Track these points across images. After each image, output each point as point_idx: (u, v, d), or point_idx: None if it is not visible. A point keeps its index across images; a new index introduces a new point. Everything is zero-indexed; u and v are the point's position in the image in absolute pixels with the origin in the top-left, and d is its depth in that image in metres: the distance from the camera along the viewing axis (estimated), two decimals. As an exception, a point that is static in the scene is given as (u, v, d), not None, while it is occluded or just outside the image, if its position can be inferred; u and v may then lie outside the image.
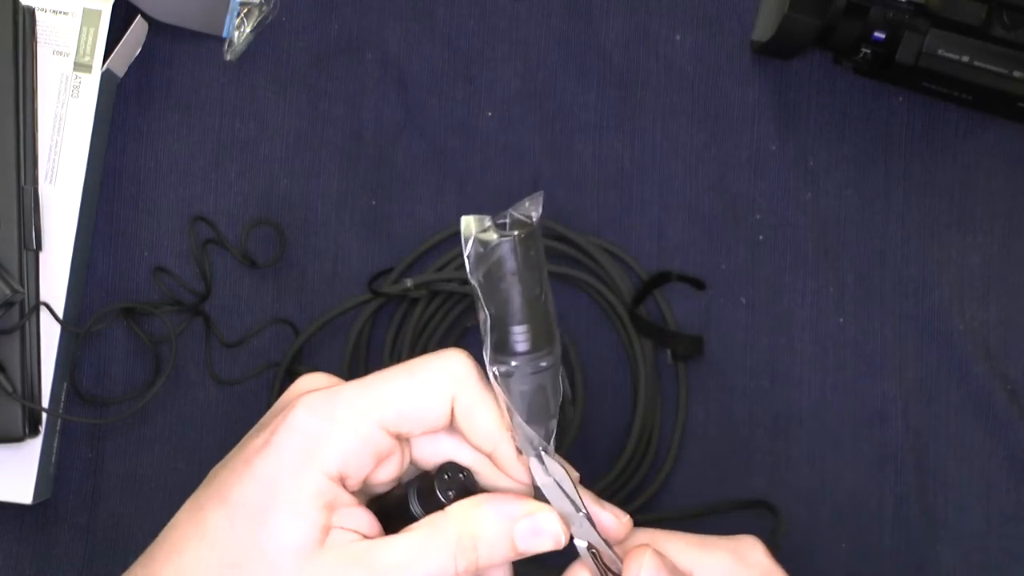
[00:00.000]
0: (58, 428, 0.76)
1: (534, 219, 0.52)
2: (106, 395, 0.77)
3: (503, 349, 0.53)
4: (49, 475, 0.76)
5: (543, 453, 0.54)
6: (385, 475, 0.56)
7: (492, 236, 0.52)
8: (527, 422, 0.53)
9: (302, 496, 0.54)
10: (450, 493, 0.55)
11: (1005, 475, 0.78)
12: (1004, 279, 0.78)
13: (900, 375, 0.78)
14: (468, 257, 0.52)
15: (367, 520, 0.55)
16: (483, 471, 0.56)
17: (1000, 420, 0.78)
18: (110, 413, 0.77)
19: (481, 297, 0.52)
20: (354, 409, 0.54)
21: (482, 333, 0.53)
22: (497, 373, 0.53)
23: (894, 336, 0.78)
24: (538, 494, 0.55)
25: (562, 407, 0.56)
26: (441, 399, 0.54)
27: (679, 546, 0.57)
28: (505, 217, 0.53)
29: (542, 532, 0.54)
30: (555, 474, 0.54)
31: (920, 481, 0.77)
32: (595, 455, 0.77)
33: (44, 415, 0.73)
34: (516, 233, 0.52)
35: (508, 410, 0.54)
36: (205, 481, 0.58)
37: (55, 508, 0.77)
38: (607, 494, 0.76)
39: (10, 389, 0.72)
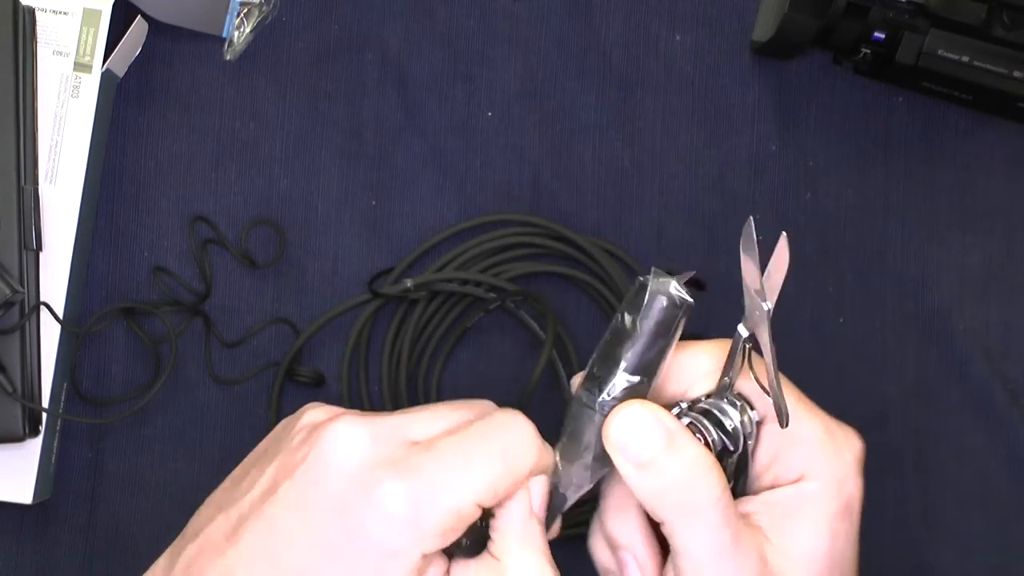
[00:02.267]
0: (58, 428, 0.76)
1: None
2: (106, 395, 0.77)
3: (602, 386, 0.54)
4: (49, 475, 0.76)
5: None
6: None
7: (683, 296, 0.54)
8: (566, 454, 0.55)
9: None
10: (464, 540, 0.55)
11: (1005, 475, 0.78)
12: (1004, 279, 0.78)
13: (900, 375, 0.78)
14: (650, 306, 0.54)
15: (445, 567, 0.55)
16: None
17: (1000, 420, 0.78)
18: (110, 413, 0.77)
19: (630, 340, 0.54)
20: (453, 488, 0.53)
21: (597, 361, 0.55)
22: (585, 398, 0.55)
23: (894, 336, 0.78)
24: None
25: (562, 407, 0.57)
26: (526, 472, 0.55)
27: (794, 393, 0.56)
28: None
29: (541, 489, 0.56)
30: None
31: (920, 481, 0.77)
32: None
33: (44, 415, 0.73)
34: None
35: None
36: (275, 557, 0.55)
37: (55, 508, 0.77)
38: (607, 494, 0.76)
39: (10, 389, 0.72)
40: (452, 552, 0.55)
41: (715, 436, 0.55)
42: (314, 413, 0.57)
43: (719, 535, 0.53)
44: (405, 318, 0.77)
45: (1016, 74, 0.73)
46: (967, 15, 0.72)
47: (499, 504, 0.55)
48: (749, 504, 0.56)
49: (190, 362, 0.77)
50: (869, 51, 0.74)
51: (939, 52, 0.73)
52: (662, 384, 0.56)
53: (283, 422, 0.58)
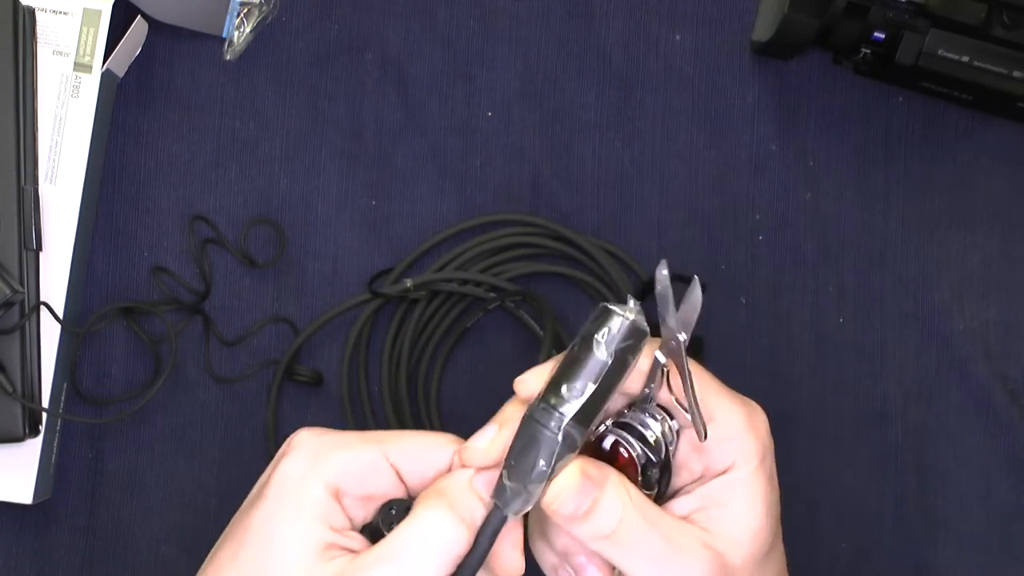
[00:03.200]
0: (58, 428, 0.76)
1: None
2: (106, 395, 0.77)
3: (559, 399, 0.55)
4: (49, 475, 0.76)
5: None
6: (366, 511, 0.58)
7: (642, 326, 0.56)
8: (514, 465, 0.55)
9: (305, 507, 0.55)
10: (393, 525, 0.56)
11: (1005, 475, 0.78)
12: (1004, 279, 0.78)
13: (900, 375, 0.78)
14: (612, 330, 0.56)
15: (360, 542, 0.56)
16: None
17: (1000, 420, 0.78)
18: (110, 413, 0.77)
19: (589, 363, 0.55)
20: (364, 441, 0.57)
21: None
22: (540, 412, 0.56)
23: (894, 336, 0.78)
24: None
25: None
26: (447, 454, 0.57)
27: (711, 387, 0.59)
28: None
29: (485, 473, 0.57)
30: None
31: (920, 481, 0.77)
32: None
33: (44, 415, 0.73)
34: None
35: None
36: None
37: (55, 508, 0.77)
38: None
39: (10, 389, 0.72)
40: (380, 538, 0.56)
41: (638, 450, 0.58)
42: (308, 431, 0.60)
43: (648, 547, 0.57)
44: (405, 318, 0.77)
45: (1016, 74, 0.73)
46: (967, 15, 0.72)
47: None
48: (684, 504, 0.59)
49: (190, 362, 0.77)
50: (869, 51, 0.74)
51: (939, 52, 0.73)
52: None
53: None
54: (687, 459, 0.59)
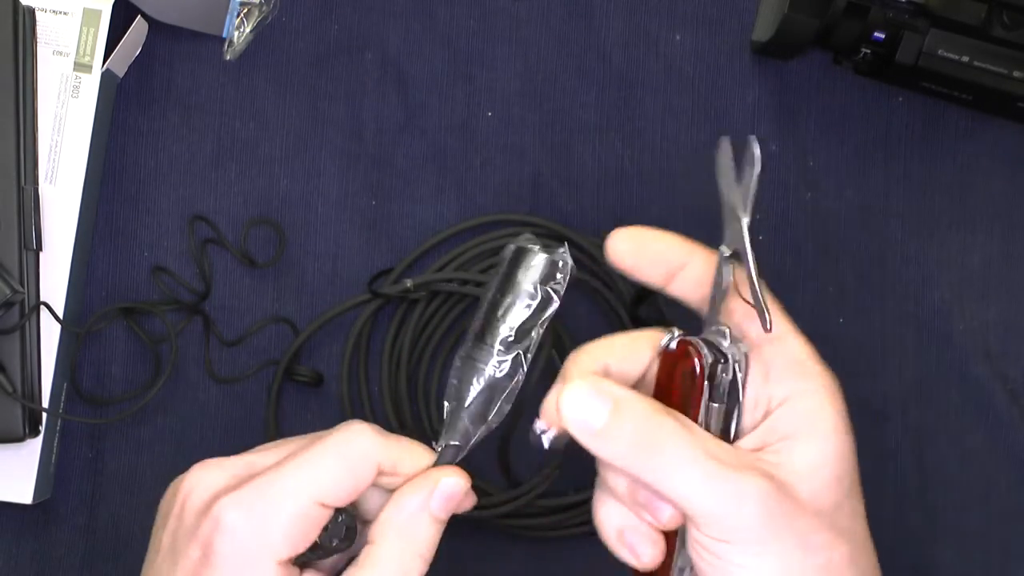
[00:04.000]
0: (58, 428, 0.76)
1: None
2: (106, 395, 0.77)
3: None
4: (49, 475, 0.76)
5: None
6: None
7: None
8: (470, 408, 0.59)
9: None
10: (335, 540, 0.57)
11: (1005, 475, 0.78)
12: (1004, 279, 0.78)
13: (900, 375, 0.78)
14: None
15: None
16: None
17: (1000, 420, 0.78)
18: (110, 413, 0.77)
19: (511, 296, 0.59)
20: (290, 494, 0.56)
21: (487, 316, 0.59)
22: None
23: (894, 336, 0.78)
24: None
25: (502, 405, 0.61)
26: (370, 470, 0.58)
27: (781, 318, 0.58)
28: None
29: (449, 489, 0.58)
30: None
31: (920, 481, 0.77)
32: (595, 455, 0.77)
33: (44, 415, 0.73)
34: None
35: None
36: None
37: (55, 508, 0.77)
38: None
39: (10, 389, 0.72)
40: (328, 552, 0.58)
41: (707, 354, 0.56)
42: (200, 475, 0.59)
43: (698, 468, 0.54)
44: (405, 318, 0.77)
45: (1016, 74, 0.73)
46: (967, 15, 0.72)
47: (366, 499, 0.59)
48: (747, 441, 0.56)
49: (190, 362, 0.77)
50: (869, 51, 0.74)
51: (939, 52, 0.73)
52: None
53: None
54: (756, 396, 0.57)
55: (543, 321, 0.59)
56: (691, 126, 0.79)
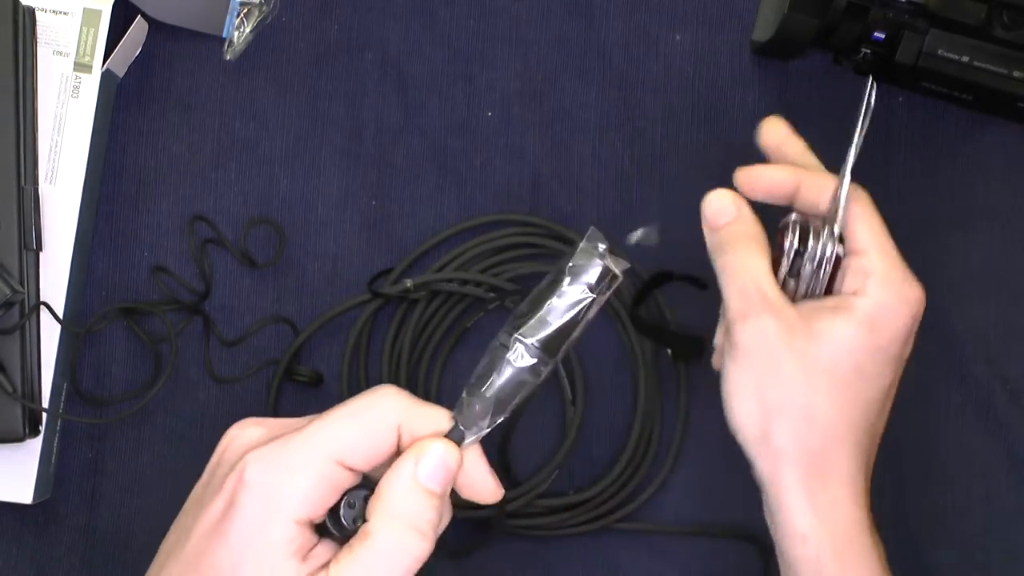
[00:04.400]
0: (58, 428, 0.76)
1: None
2: (106, 395, 0.77)
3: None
4: (49, 475, 0.76)
5: None
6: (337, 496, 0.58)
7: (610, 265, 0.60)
8: (493, 397, 0.59)
9: (275, 550, 0.55)
10: (355, 519, 0.57)
11: (1005, 475, 0.78)
12: (1004, 279, 0.78)
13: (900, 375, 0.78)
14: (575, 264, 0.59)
15: (330, 551, 0.57)
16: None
17: (1000, 420, 0.78)
18: (110, 413, 0.77)
19: (557, 294, 0.59)
20: (310, 452, 0.56)
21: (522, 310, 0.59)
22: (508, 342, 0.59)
23: (894, 336, 0.78)
24: None
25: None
26: (390, 433, 0.57)
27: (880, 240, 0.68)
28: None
29: (435, 455, 0.57)
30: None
31: (920, 481, 0.77)
32: (595, 455, 0.77)
33: (44, 415, 0.74)
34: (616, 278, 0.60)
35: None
36: (169, 547, 0.59)
37: (55, 508, 0.77)
38: (607, 494, 0.76)
39: (10, 389, 0.72)
40: (340, 535, 0.57)
41: (794, 241, 0.66)
42: (243, 431, 0.59)
43: (758, 282, 0.66)
44: (405, 318, 0.77)
45: (1016, 74, 0.73)
46: (967, 15, 0.72)
47: (378, 470, 0.58)
48: (803, 305, 0.66)
49: (190, 362, 0.77)
50: (869, 51, 0.74)
51: (939, 52, 0.73)
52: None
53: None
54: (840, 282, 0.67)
55: (580, 325, 0.59)
56: (691, 126, 0.79)
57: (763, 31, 0.77)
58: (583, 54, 0.79)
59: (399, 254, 0.78)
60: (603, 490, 0.76)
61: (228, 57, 0.78)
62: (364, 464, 0.57)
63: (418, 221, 0.78)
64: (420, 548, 0.56)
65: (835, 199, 0.66)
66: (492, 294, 0.76)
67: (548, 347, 0.58)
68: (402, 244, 0.78)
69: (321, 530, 0.57)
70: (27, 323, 0.73)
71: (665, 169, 0.79)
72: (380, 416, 0.58)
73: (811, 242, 0.66)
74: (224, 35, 0.78)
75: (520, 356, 0.58)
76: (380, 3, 0.79)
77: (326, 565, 0.56)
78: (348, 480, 0.57)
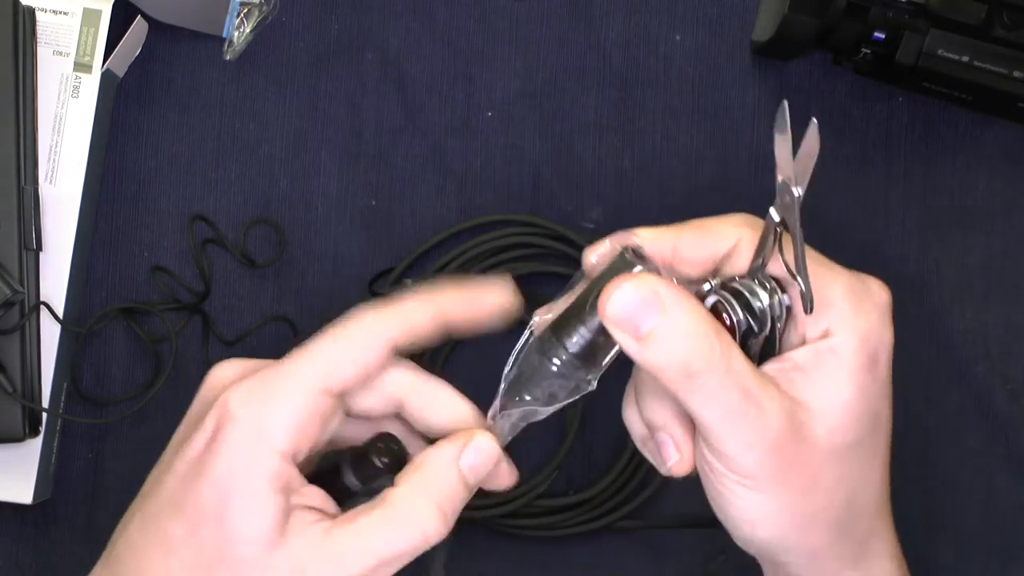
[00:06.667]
0: (58, 428, 0.76)
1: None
2: (106, 395, 0.77)
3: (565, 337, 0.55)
4: (49, 475, 0.76)
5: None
6: (325, 437, 0.56)
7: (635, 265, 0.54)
8: (514, 385, 0.56)
9: (258, 484, 0.53)
10: (385, 460, 0.56)
11: (1005, 475, 0.78)
12: (1004, 279, 0.78)
13: (900, 375, 0.78)
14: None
15: (321, 496, 0.55)
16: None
17: (1000, 420, 0.78)
18: (110, 413, 0.77)
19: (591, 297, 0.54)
20: (293, 381, 0.55)
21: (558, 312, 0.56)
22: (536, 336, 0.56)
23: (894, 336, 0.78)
24: None
25: (562, 408, 0.58)
26: (375, 348, 0.56)
27: (821, 259, 0.57)
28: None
29: (482, 450, 0.56)
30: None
31: (920, 481, 0.77)
32: (595, 455, 0.77)
33: (44, 415, 0.73)
34: None
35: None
36: (148, 489, 0.58)
37: (55, 508, 0.77)
38: (607, 494, 0.76)
39: (10, 389, 0.72)
40: (370, 476, 0.56)
41: (740, 316, 0.55)
42: (225, 368, 0.58)
43: (724, 397, 0.53)
44: (405, 318, 0.77)
45: (1016, 74, 0.73)
46: (967, 15, 0.72)
47: (367, 398, 0.56)
48: (772, 365, 0.56)
49: (190, 362, 0.77)
50: (869, 51, 0.74)
51: (939, 52, 0.73)
52: (687, 261, 0.57)
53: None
54: (788, 334, 0.56)
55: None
56: (691, 126, 0.79)
57: (763, 31, 0.77)
58: (583, 54, 0.79)
59: (399, 254, 0.78)
60: (603, 490, 0.76)
61: (228, 57, 0.78)
62: (353, 383, 0.55)
63: (418, 221, 0.78)
64: (436, 529, 0.54)
65: (765, 239, 0.56)
66: (492, 294, 0.76)
67: (586, 358, 0.55)
68: (402, 244, 0.78)
69: (323, 481, 0.56)
70: (27, 323, 0.73)
71: (665, 169, 0.79)
72: (363, 329, 0.56)
73: (752, 308, 0.55)
74: (224, 35, 0.78)
75: (564, 363, 0.55)
76: (380, 3, 0.79)
77: (317, 511, 0.54)
78: (335, 410, 0.55)
